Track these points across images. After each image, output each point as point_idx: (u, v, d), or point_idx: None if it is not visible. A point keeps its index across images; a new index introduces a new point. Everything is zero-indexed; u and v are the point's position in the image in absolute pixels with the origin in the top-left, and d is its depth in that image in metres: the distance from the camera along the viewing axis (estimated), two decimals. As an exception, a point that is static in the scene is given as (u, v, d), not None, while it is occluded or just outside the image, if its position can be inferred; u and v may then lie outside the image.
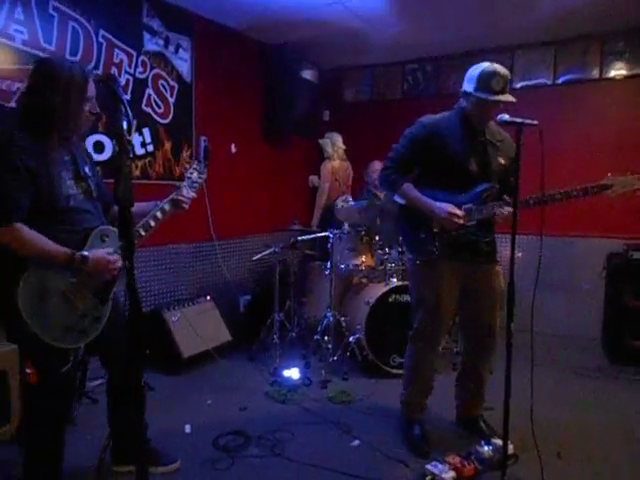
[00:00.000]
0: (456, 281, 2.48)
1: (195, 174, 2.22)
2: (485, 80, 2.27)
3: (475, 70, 2.33)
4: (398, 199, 2.55)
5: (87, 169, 2.03)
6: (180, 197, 2.14)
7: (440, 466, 2.19)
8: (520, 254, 3.85)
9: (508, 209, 2.31)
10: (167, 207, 2.12)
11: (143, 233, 2.05)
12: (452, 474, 2.15)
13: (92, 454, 2.24)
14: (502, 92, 2.28)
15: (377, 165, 4.39)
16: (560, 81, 4.53)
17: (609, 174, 2.23)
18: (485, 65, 2.31)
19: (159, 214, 2.09)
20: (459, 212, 2.35)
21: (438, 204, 2.37)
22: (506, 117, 2.01)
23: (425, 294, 2.52)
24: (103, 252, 1.92)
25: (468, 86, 2.36)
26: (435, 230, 2.42)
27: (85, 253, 1.86)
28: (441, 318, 2.52)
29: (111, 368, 2.20)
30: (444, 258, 2.43)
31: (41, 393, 1.93)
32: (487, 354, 2.60)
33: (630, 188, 2.18)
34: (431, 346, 2.59)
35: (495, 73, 2.27)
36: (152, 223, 2.07)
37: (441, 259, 2.43)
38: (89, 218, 1.98)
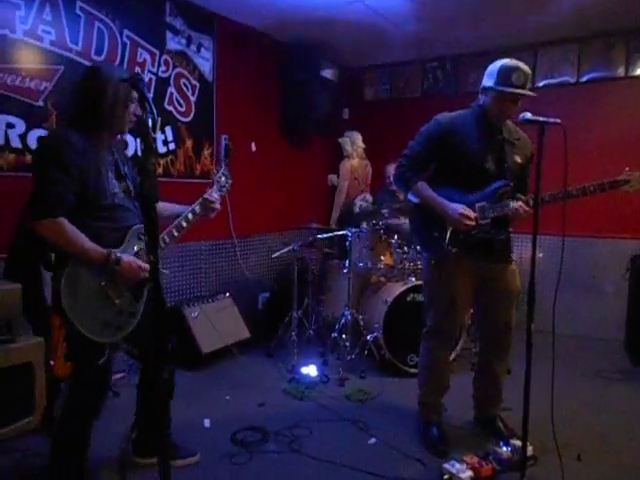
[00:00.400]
0: (470, 280, 2.47)
1: (223, 178, 2.32)
2: (506, 74, 2.25)
3: (496, 65, 2.32)
4: (412, 197, 2.53)
5: (126, 169, 2.12)
6: (210, 197, 2.23)
7: (458, 465, 2.18)
8: (541, 254, 3.82)
9: (518, 204, 2.30)
10: (198, 209, 2.21)
11: (176, 234, 2.14)
12: (469, 474, 2.14)
13: (114, 446, 2.30)
14: (522, 87, 2.25)
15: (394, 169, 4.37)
16: (584, 79, 4.46)
17: (627, 169, 2.20)
18: (506, 60, 2.30)
19: (190, 216, 2.19)
20: (471, 213, 2.33)
21: (451, 205, 2.35)
22: (528, 115, 1.99)
23: (438, 293, 2.51)
24: (134, 258, 1.98)
25: (488, 81, 2.33)
26: (449, 229, 2.40)
27: (119, 255, 1.92)
28: (454, 317, 2.51)
29: (144, 361, 2.24)
30: (458, 257, 2.41)
31: (78, 386, 2.00)
32: (502, 353, 2.58)
33: None
34: (444, 345, 2.58)
35: (516, 67, 2.25)
36: (184, 224, 2.17)
37: (455, 258, 2.42)
38: (129, 216, 2.05)
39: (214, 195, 2.25)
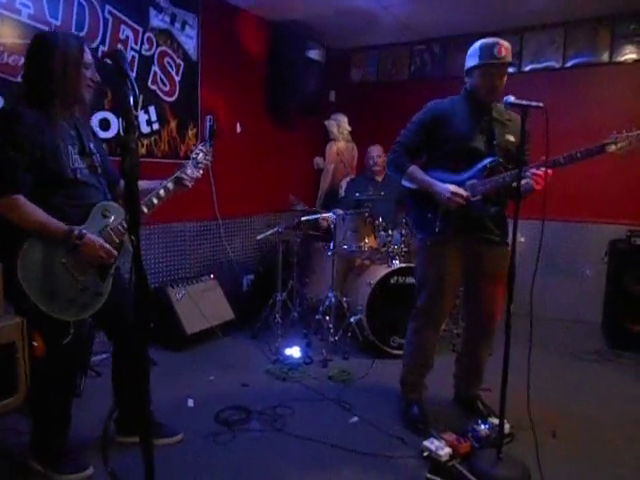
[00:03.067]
0: (462, 261, 2.51)
1: (201, 155, 2.24)
2: (487, 50, 2.32)
3: (475, 46, 2.39)
4: (406, 182, 2.58)
5: (92, 145, 2.06)
6: (183, 176, 2.17)
7: (437, 442, 2.24)
8: (523, 239, 3.87)
9: (532, 171, 2.25)
10: (171, 186, 2.15)
11: (146, 210, 2.08)
12: (448, 450, 2.19)
13: (97, 425, 2.30)
14: (505, 59, 2.32)
15: (376, 150, 4.37)
16: (569, 64, 4.48)
17: (614, 132, 2.21)
18: (484, 39, 2.37)
19: (162, 192, 2.12)
20: (462, 191, 2.36)
21: (441, 185, 2.40)
22: (511, 99, 2.02)
23: (430, 274, 2.54)
24: (99, 239, 1.92)
25: (471, 61, 2.40)
26: (441, 209, 2.44)
27: (83, 232, 1.88)
28: (444, 298, 2.54)
29: (116, 341, 2.24)
30: (451, 237, 2.46)
31: (47, 364, 1.99)
32: (488, 335, 2.62)
33: (636, 140, 2.14)
34: (433, 325, 2.62)
35: (496, 42, 2.31)
36: (155, 201, 2.10)
37: (447, 239, 2.47)
38: (94, 193, 2.01)
39: (187, 172, 2.18)
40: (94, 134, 2.18)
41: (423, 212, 2.53)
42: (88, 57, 1.96)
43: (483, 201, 2.39)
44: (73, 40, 1.95)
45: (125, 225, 1.99)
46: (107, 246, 1.93)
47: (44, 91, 1.88)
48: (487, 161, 2.38)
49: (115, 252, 1.96)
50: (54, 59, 1.86)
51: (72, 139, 1.97)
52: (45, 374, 2.00)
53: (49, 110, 1.89)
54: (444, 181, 2.41)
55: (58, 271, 1.87)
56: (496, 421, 2.23)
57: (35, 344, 2.67)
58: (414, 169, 2.51)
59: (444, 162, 2.47)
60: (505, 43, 2.32)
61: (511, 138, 2.43)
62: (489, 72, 2.34)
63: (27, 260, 1.81)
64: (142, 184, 2.10)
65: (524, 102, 1.96)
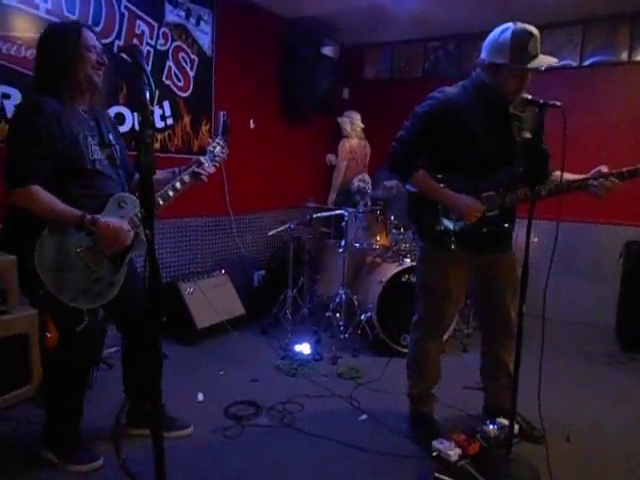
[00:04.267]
0: (467, 273, 2.34)
1: (218, 148, 2.26)
2: (521, 46, 1.99)
3: (502, 36, 2.04)
4: (410, 188, 2.34)
5: (111, 137, 2.08)
6: (201, 170, 2.17)
7: (446, 443, 2.23)
8: (536, 239, 3.83)
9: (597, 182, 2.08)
10: (187, 178, 2.16)
11: (161, 202, 2.09)
12: (457, 450, 2.18)
13: (108, 417, 2.32)
14: (537, 55, 2.02)
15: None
16: (587, 63, 4.42)
17: None
18: (512, 27, 2.02)
19: (178, 185, 2.13)
20: (480, 205, 2.16)
21: (457, 196, 2.17)
22: (529, 96, 1.97)
23: (432, 286, 2.37)
24: (117, 221, 1.94)
25: (497, 57, 2.06)
26: (453, 224, 2.24)
27: (97, 216, 1.89)
28: (446, 311, 2.39)
29: (126, 334, 2.26)
30: (458, 251, 2.26)
31: (62, 352, 2.01)
32: (507, 340, 2.38)
33: None
34: (434, 336, 2.47)
35: (530, 34, 2.00)
36: (171, 193, 2.11)
37: (457, 252, 2.26)
38: (111, 184, 2.03)
39: (205, 166, 2.19)
40: (114, 125, 2.20)
41: (431, 223, 2.28)
42: (89, 40, 1.95)
43: (499, 215, 2.21)
44: (70, 25, 2.02)
45: (140, 216, 2.00)
46: (125, 226, 1.94)
47: (50, 77, 1.91)
48: (505, 173, 2.19)
49: (132, 233, 1.97)
50: (56, 47, 1.90)
51: (92, 130, 1.99)
52: (60, 364, 2.02)
53: (66, 99, 1.91)
54: (456, 189, 2.19)
55: (73, 260, 1.89)
56: (505, 421, 2.21)
57: (48, 335, 2.71)
58: (422, 174, 2.24)
59: (454, 165, 2.21)
60: (536, 32, 2.01)
61: (527, 135, 2.19)
62: (520, 74, 2.05)
63: (44, 249, 1.85)
64: (157, 174, 2.13)
65: (541, 100, 1.91)
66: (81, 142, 1.92)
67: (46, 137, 1.83)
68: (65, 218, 1.86)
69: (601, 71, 4.37)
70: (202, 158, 2.21)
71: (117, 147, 2.09)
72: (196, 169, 2.17)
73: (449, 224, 2.26)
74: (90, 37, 1.97)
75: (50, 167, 1.86)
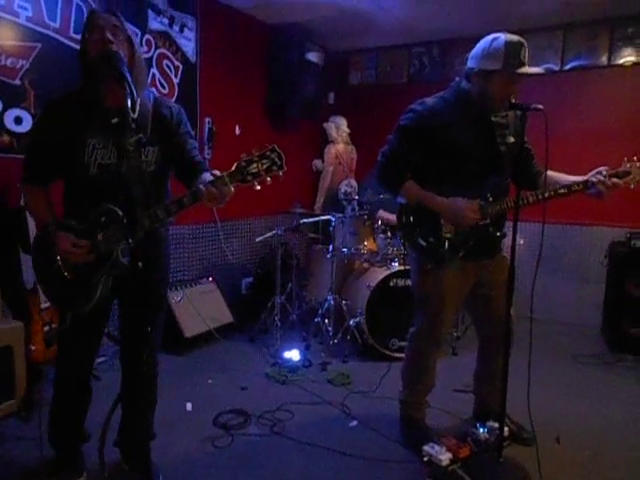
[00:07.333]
0: (463, 281, 2.32)
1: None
2: (514, 53, 2.01)
3: (495, 43, 2.05)
4: (401, 199, 2.32)
5: (143, 138, 1.76)
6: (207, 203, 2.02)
7: (437, 447, 2.22)
8: (522, 241, 3.86)
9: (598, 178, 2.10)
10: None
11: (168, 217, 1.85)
12: (448, 455, 2.18)
13: (95, 428, 2.28)
14: (525, 64, 2.06)
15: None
16: (568, 67, 4.49)
17: (625, 159, 2.12)
18: (503, 36, 2.04)
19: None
20: (476, 206, 2.16)
21: (448, 200, 2.17)
22: (511, 100, 1.99)
23: (430, 297, 2.35)
24: (70, 238, 1.77)
25: (490, 63, 2.05)
26: (447, 233, 2.22)
27: (58, 229, 1.80)
28: (445, 320, 2.38)
29: (124, 364, 2.14)
30: (455, 261, 2.25)
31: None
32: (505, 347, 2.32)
33: None
34: (435, 345, 2.45)
35: (521, 43, 2.03)
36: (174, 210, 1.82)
37: (452, 262, 2.25)
38: (107, 193, 1.74)
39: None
40: (160, 119, 1.92)
41: (424, 235, 2.26)
42: (94, 21, 1.75)
43: (491, 224, 2.22)
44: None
45: (116, 237, 1.75)
46: (76, 249, 1.76)
47: (84, 70, 1.78)
48: (492, 182, 2.19)
49: (79, 253, 1.77)
50: (83, 40, 1.78)
51: (106, 133, 1.75)
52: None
53: (86, 91, 1.80)
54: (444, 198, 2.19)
55: (53, 261, 1.84)
56: (495, 424, 2.21)
57: (32, 348, 2.67)
58: (411, 185, 2.24)
59: (440, 176, 2.22)
60: (523, 40, 2.06)
61: (511, 139, 2.20)
62: (510, 81, 2.05)
63: (36, 244, 1.91)
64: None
65: (523, 104, 1.94)
66: (87, 145, 1.76)
67: (52, 138, 1.79)
68: (37, 222, 1.93)
69: (582, 75, 4.44)
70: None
71: (150, 149, 1.83)
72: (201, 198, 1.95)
73: (443, 236, 2.24)
74: (95, 19, 1.76)
75: (50, 168, 1.86)
